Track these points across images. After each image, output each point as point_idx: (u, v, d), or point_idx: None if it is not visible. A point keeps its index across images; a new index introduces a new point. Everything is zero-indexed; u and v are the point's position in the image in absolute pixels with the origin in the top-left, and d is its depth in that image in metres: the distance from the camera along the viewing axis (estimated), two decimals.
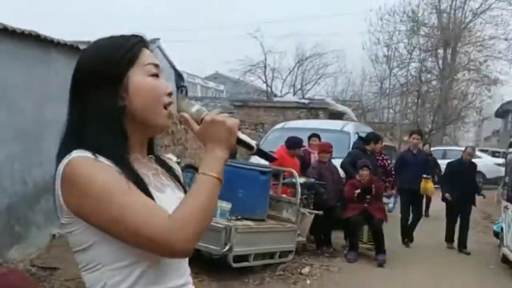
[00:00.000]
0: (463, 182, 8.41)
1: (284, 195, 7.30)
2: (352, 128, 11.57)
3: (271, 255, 6.48)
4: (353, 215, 7.35)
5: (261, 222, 6.53)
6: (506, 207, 7.95)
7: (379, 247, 7.42)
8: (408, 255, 8.09)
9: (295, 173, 7.19)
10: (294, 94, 26.10)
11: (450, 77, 26.70)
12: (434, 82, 27.66)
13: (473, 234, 9.32)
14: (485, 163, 19.63)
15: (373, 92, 30.16)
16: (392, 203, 11.36)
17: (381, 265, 7.24)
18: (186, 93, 18.93)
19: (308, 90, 28.26)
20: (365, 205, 7.39)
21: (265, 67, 25.82)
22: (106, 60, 1.27)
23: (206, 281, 5.67)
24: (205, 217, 1.20)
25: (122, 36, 1.33)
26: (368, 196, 7.42)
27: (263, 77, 26.02)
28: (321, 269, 6.77)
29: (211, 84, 33.88)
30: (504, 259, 7.61)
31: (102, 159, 1.20)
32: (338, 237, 8.16)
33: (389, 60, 27.08)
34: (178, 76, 18.03)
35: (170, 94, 1.33)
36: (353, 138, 10.90)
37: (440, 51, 28.54)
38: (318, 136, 8.87)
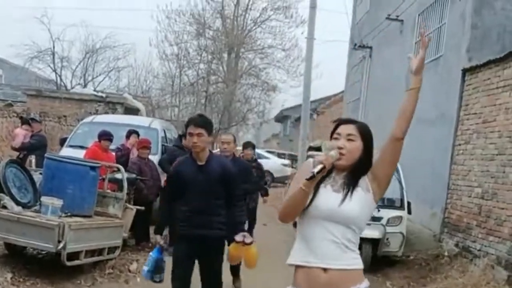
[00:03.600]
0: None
1: (109, 191, 7.21)
2: (159, 125, 11.79)
3: (100, 251, 6.38)
4: None
5: (90, 218, 6.37)
6: None
7: None
8: None
9: (122, 169, 7.16)
10: (85, 86, 24.87)
11: (235, 81, 28.34)
12: (220, 85, 28.93)
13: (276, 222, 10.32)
14: (273, 163, 21.20)
15: (159, 89, 30.11)
16: None
17: None
18: None
19: (100, 83, 27.18)
20: None
21: (53, 54, 24.09)
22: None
23: (39, 284, 5.35)
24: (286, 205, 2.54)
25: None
26: None
27: (52, 66, 24.23)
28: None
29: None
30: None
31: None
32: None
33: (178, 59, 27.62)
34: None
35: (339, 148, 2.43)
36: (161, 134, 11.18)
37: (225, 55, 30.12)
38: (137, 133, 8.90)
